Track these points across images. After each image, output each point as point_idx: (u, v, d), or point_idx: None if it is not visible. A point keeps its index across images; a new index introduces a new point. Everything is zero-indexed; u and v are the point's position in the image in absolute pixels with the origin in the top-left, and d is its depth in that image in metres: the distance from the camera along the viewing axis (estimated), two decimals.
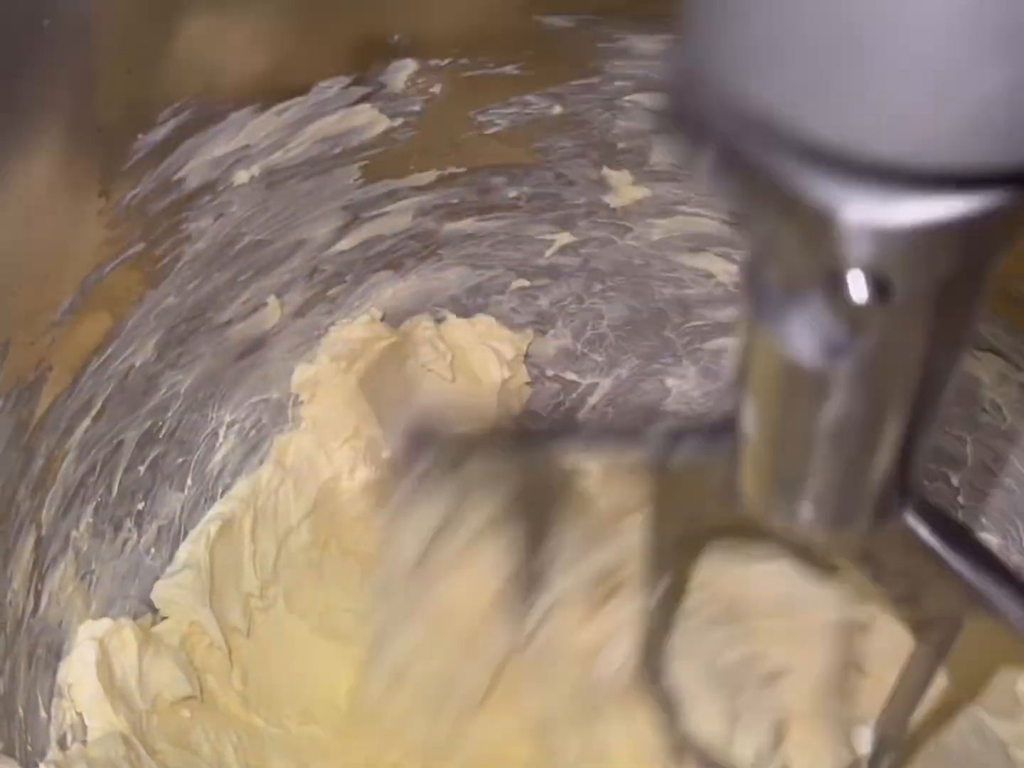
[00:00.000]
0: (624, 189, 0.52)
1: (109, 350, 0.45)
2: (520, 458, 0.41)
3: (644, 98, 0.48)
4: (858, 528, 0.28)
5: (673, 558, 0.41)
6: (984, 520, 0.51)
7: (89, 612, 0.46)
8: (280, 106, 0.45)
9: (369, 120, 0.47)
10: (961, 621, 0.33)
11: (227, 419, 0.51)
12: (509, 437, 0.42)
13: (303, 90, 0.45)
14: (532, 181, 0.52)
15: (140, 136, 0.41)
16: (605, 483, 0.44)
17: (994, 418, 0.49)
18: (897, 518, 0.28)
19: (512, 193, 0.52)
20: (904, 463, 0.25)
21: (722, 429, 0.30)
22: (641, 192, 0.52)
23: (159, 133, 0.42)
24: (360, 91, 0.46)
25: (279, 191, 0.47)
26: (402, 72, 0.46)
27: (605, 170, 0.51)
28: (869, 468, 0.25)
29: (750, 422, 0.26)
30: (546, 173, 0.51)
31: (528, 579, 0.45)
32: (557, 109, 0.49)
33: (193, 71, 0.41)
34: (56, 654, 0.44)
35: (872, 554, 0.30)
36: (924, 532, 0.28)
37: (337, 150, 0.47)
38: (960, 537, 0.29)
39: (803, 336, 0.21)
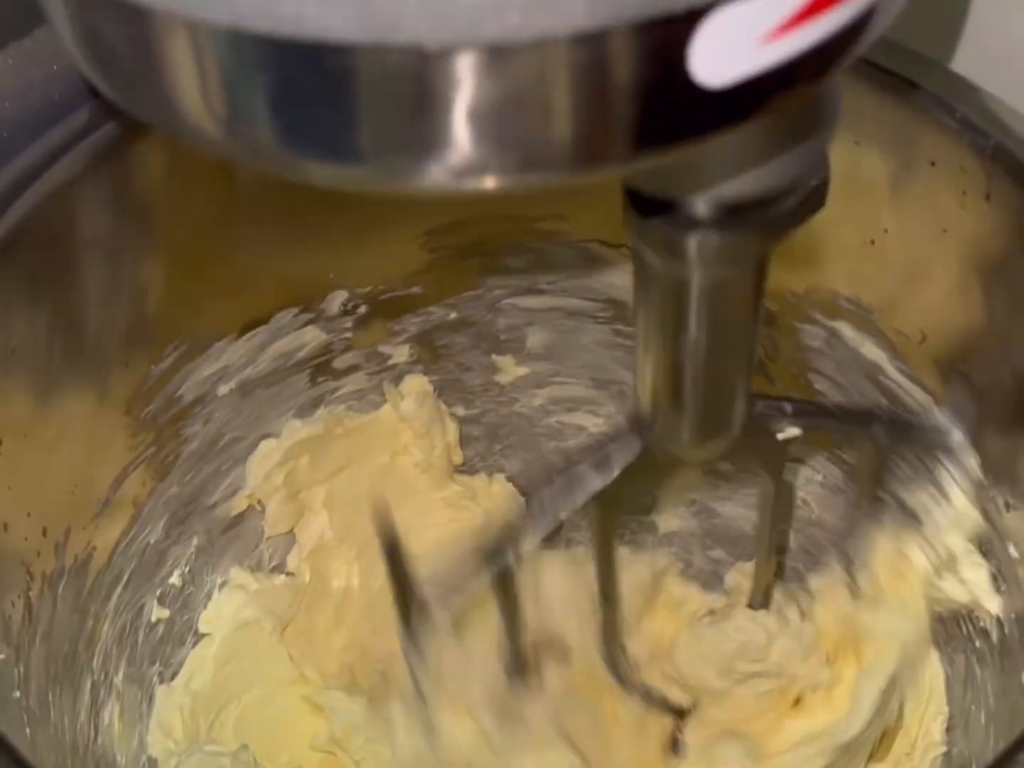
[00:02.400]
0: (509, 369, 0.67)
1: (132, 532, 0.57)
2: None
3: (517, 301, 0.64)
4: (734, 433, 0.44)
5: None
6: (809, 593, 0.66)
7: (131, 745, 0.58)
8: (249, 334, 0.59)
9: (313, 337, 0.62)
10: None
11: (219, 581, 0.64)
12: None
13: (266, 320, 0.59)
14: (438, 371, 0.67)
15: (153, 367, 0.55)
16: None
17: (805, 511, 0.65)
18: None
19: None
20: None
21: None
22: (522, 370, 0.67)
23: (166, 363, 0.56)
24: (306, 316, 0.60)
25: (250, 398, 0.61)
26: (336, 299, 0.61)
27: (494, 356, 0.67)
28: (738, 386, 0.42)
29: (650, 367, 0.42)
30: (448, 363, 0.67)
31: None
32: (453, 315, 0.64)
33: (189, 317, 0.56)
34: None
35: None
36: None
37: (291, 363, 0.62)
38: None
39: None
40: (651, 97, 0.26)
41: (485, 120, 0.26)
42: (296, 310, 0.60)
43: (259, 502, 0.65)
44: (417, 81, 0.25)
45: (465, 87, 0.25)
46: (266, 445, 0.63)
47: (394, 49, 0.24)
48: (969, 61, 0.52)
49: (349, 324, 0.62)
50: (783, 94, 0.28)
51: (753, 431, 0.46)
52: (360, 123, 0.27)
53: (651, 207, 0.35)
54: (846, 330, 0.56)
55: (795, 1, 0.26)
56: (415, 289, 0.62)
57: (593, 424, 0.68)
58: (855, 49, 0.30)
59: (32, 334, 0.48)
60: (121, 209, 0.51)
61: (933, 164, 0.49)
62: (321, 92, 0.26)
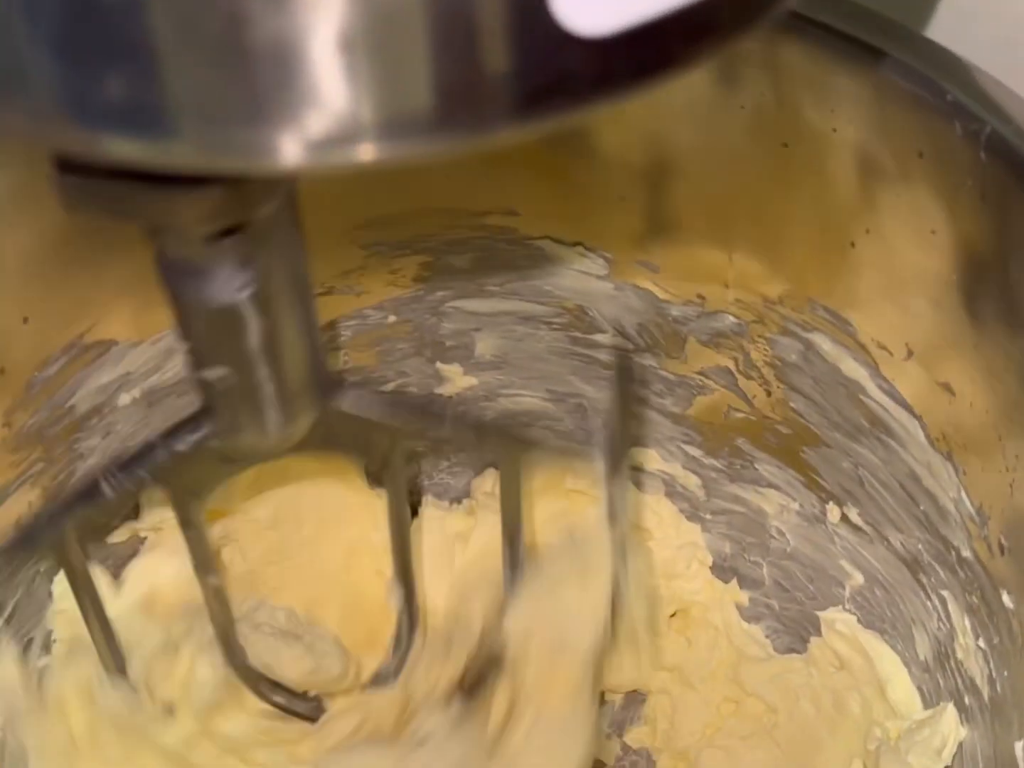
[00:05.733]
0: (456, 379, 0.61)
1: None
2: None
3: (463, 303, 0.58)
4: (308, 417, 0.39)
5: None
6: (781, 628, 0.60)
7: None
8: (155, 336, 0.53)
9: None
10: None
11: None
12: None
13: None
14: (376, 380, 0.60)
15: (36, 373, 0.49)
16: None
17: (780, 542, 0.58)
18: (331, 400, 0.40)
19: None
20: (316, 360, 0.38)
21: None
22: (470, 380, 0.61)
23: (52, 369, 0.50)
24: None
25: (159, 407, 0.55)
26: None
27: (438, 364, 0.61)
28: (298, 368, 0.37)
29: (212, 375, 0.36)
30: (388, 371, 0.60)
31: None
32: (392, 318, 0.58)
33: (78, 318, 0.50)
34: None
35: (328, 437, 0.41)
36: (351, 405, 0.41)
37: None
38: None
39: (222, 288, 0.33)
40: (516, 45, 0.20)
41: (341, 65, 0.20)
42: None
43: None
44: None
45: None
46: None
47: None
48: (946, 30, 0.45)
49: None
50: (690, 48, 0.22)
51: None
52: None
53: None
54: (823, 343, 0.50)
55: None
56: (348, 289, 0.56)
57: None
58: None
59: None
60: None
61: (921, 155, 0.42)
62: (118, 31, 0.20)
